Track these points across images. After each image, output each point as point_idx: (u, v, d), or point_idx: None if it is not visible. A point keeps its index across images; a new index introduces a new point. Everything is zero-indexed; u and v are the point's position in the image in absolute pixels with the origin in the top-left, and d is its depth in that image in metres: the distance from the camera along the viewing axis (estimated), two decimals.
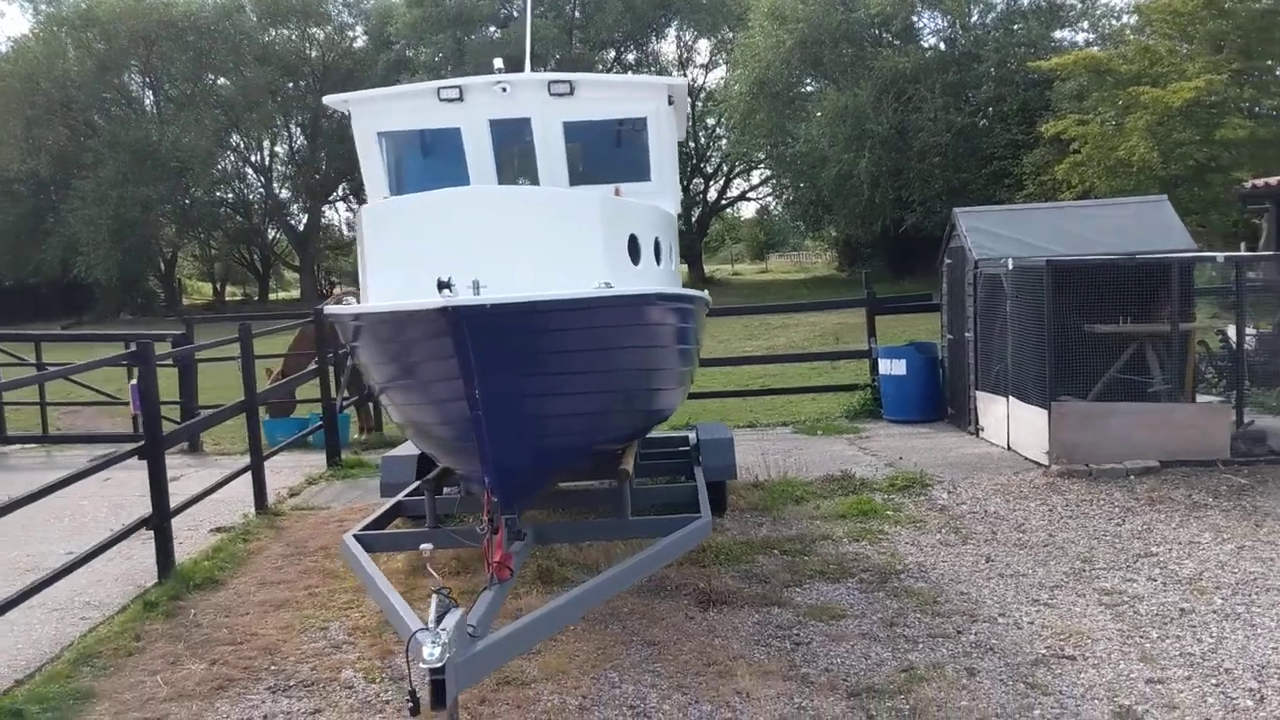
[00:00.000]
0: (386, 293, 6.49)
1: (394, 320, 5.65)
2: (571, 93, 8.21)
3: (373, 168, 8.61)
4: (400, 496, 8.56)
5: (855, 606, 7.23)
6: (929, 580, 7.71)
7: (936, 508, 9.69)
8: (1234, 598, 7.08)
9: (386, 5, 56.81)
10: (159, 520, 8.26)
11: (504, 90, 8.23)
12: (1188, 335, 11.79)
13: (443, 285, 5.27)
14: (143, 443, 8.17)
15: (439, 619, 4.99)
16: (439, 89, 8.27)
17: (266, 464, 10.86)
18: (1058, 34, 38.39)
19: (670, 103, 8.40)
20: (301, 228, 61.69)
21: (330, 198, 62.75)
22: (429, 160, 8.72)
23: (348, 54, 58.88)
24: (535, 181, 8.38)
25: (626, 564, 6.35)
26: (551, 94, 8.21)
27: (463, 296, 5.35)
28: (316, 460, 12.96)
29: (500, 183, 8.41)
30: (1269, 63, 25.37)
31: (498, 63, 8.52)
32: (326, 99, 8.93)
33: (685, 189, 57.33)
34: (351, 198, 65.14)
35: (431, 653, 4.49)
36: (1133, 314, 11.54)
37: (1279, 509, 9.17)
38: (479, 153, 8.36)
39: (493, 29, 54.76)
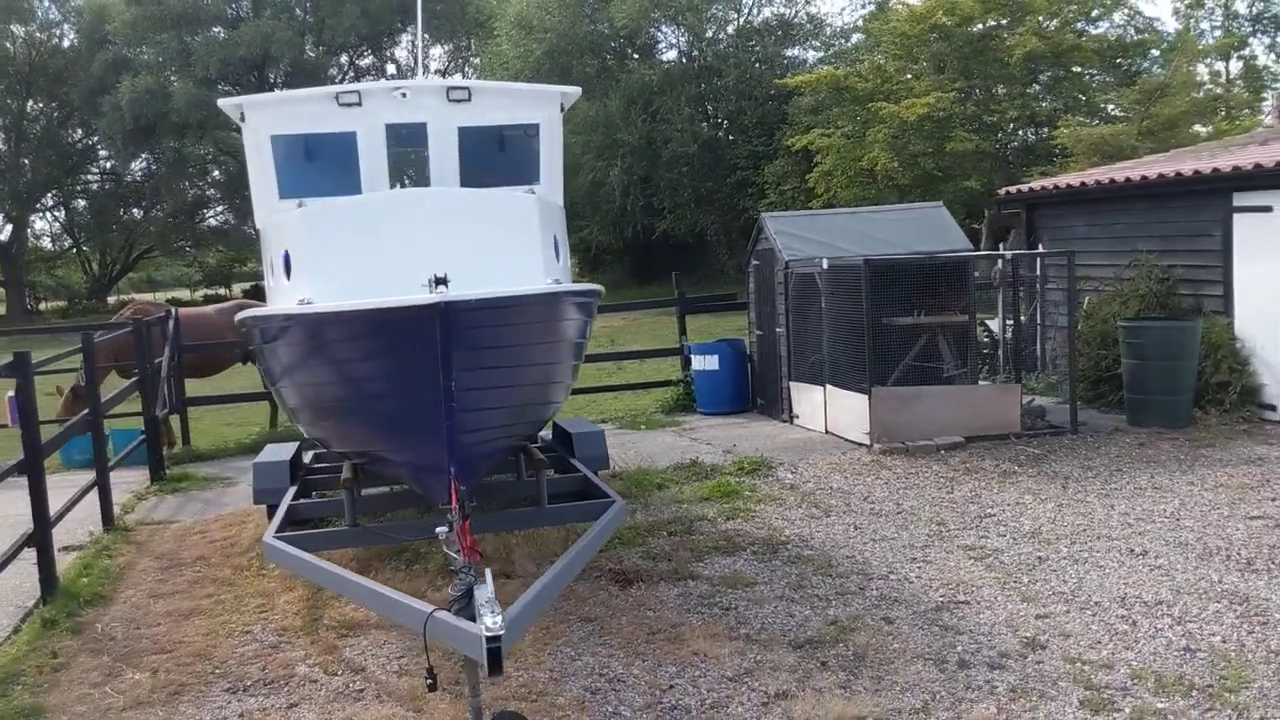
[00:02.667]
0: (331, 293, 6.55)
1: (376, 317, 5.79)
2: (469, 99, 8.48)
3: (263, 171, 8.56)
4: (293, 498, 8.55)
5: (760, 575, 7.88)
6: (813, 548, 8.47)
7: (787, 486, 10.52)
8: (1074, 546, 8.21)
9: (100, 3, 53.41)
10: (40, 537, 7.90)
11: (403, 96, 8.41)
12: (970, 325, 13.26)
13: (439, 281, 5.51)
14: (23, 457, 7.79)
15: (465, 595, 5.26)
16: (338, 94, 8.37)
17: (84, 481, 10.38)
18: (790, 51, 40.87)
19: (561, 110, 8.81)
20: (5, 237, 57.05)
21: (38, 206, 58.35)
22: (320, 164, 8.74)
23: (56, 53, 55.03)
24: (426, 184, 8.58)
25: (581, 544, 6.74)
26: (450, 100, 8.45)
27: (455, 291, 5.60)
28: (134, 476, 12.43)
29: (391, 186, 8.56)
30: (986, 82, 28.11)
31: (391, 69, 8.67)
32: (220, 102, 8.83)
33: None
34: (62, 206, 60.84)
35: (495, 621, 4.75)
36: (925, 307, 12.89)
37: (1075, 472, 10.54)
38: (373, 157, 8.48)
39: (218, 29, 52.64)
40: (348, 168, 8.49)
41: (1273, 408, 12.22)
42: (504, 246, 6.78)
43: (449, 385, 5.90)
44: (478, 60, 56.34)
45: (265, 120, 8.51)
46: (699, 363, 15.06)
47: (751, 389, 15.00)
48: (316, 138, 8.61)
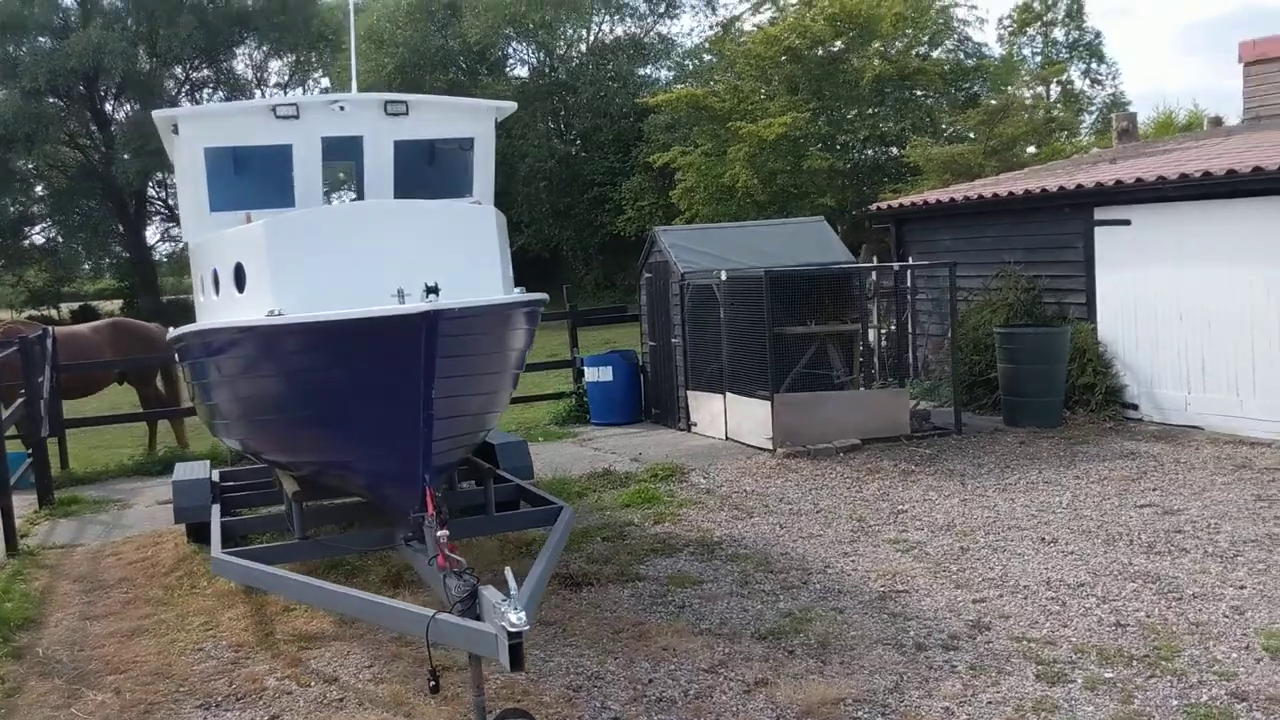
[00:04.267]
0: (301, 305, 6.51)
1: (365, 326, 5.82)
2: (406, 113, 8.52)
3: (195, 184, 8.40)
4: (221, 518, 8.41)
5: (704, 574, 8.15)
6: (747, 547, 8.79)
7: (703, 490, 10.83)
8: (990, 536, 8.76)
9: None
10: None
11: (341, 109, 8.39)
12: (856, 334, 13.91)
13: (430, 290, 5.61)
14: None
15: (469, 596, 5.36)
16: (274, 106, 8.30)
17: None
18: (643, 70, 41.57)
19: (496, 123, 8.93)
20: None
21: None
22: (253, 176, 8.63)
23: None
24: (360, 198, 8.57)
25: (552, 547, 6.90)
26: (387, 114, 8.48)
27: (443, 300, 5.71)
28: (20, 501, 11.87)
29: (324, 199, 8.53)
30: (837, 103, 29.22)
31: (325, 82, 8.65)
32: (155, 114, 8.62)
33: None
34: None
35: (520, 617, 4.87)
36: (816, 317, 13.47)
37: (968, 469, 11.18)
38: (308, 169, 8.44)
39: (44, 39, 50.17)
40: (282, 181, 8.43)
41: (1135, 406, 13.18)
42: (467, 257, 6.89)
43: (429, 392, 6.00)
44: (319, 74, 55.40)
45: (199, 132, 8.37)
46: (592, 374, 15.27)
47: (645, 399, 15.30)
48: (251, 150, 8.51)
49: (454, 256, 6.79)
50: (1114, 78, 46.69)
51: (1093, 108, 44.99)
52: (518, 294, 6.55)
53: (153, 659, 6.94)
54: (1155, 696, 5.71)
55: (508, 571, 5.13)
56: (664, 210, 34.46)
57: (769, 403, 12.28)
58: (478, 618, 5.37)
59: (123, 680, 6.59)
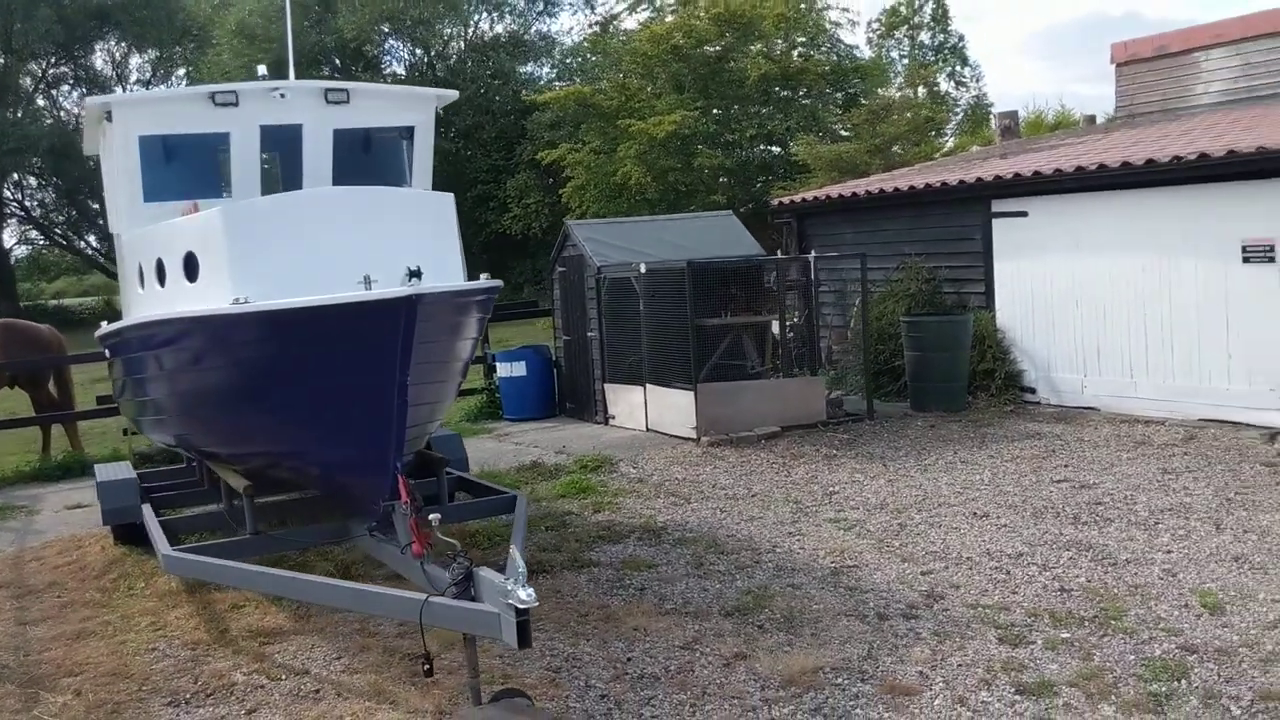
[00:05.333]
0: (266, 293, 6.39)
1: (337, 313, 5.76)
2: (347, 101, 8.41)
3: (127, 173, 8.14)
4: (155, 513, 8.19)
5: (655, 558, 8.27)
6: (692, 531, 8.94)
7: (635, 480, 10.95)
8: (923, 513, 9.08)
9: None
10: None
11: (281, 96, 8.24)
12: (768, 325, 14.21)
13: (413, 274, 5.60)
14: None
15: (465, 578, 5.38)
16: (213, 93, 8.10)
17: None
18: (524, 68, 41.43)
19: (436, 112, 8.88)
20: None
21: None
22: (187, 165, 8.41)
23: None
24: (298, 187, 8.42)
25: (521, 534, 6.93)
26: (328, 102, 8.36)
27: (425, 285, 5.70)
28: None
29: (264, 189, 8.36)
30: (724, 102, 29.62)
31: (262, 69, 8.47)
32: (87, 101, 8.30)
33: None
34: None
35: (529, 594, 4.90)
36: (731, 308, 13.71)
37: (887, 452, 11.54)
38: (245, 158, 8.26)
39: None
40: (218, 170, 8.24)
41: (1033, 390, 13.78)
42: (429, 243, 6.86)
43: (405, 378, 5.98)
44: (183, 71, 53.69)
45: (133, 120, 8.12)
46: (505, 369, 15.24)
47: (560, 393, 15.33)
48: (187, 138, 8.29)
49: (416, 243, 6.75)
50: (978, 80, 48.26)
51: (957, 109, 46.52)
52: (483, 280, 6.55)
53: (106, 660, 6.73)
54: (1112, 653, 6.04)
55: (512, 549, 5.16)
56: (550, 208, 34.40)
57: (692, 393, 12.46)
58: (472, 599, 5.39)
59: (80, 682, 6.38)
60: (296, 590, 6.47)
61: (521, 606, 4.89)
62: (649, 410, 13.34)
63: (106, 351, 9.36)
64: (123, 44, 53.71)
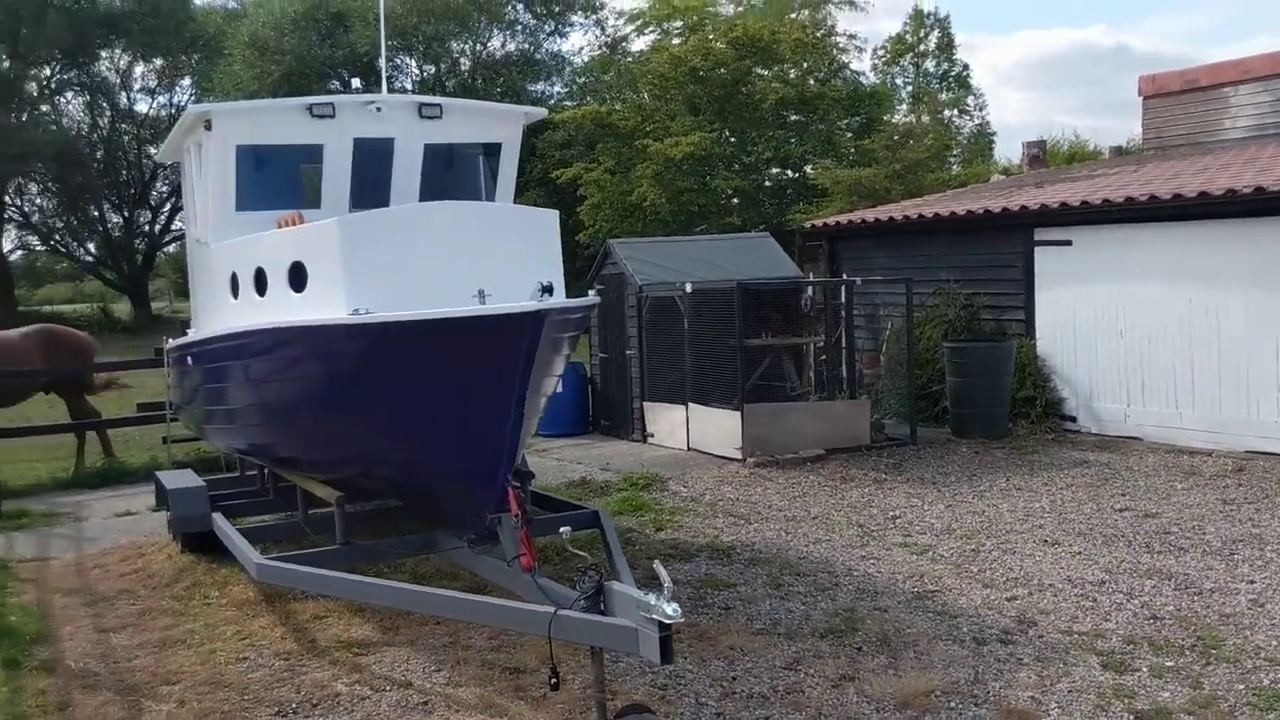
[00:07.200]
0: (383, 304, 6.36)
1: (454, 326, 5.76)
2: (440, 116, 8.44)
3: (220, 182, 8.14)
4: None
5: (732, 577, 8.24)
6: (760, 551, 8.91)
7: (688, 498, 10.92)
8: (993, 539, 9.08)
9: None
10: None
11: (377, 110, 8.26)
12: (806, 347, 14.25)
13: (545, 289, 5.62)
14: None
15: (596, 592, 5.35)
16: (311, 105, 8.12)
17: None
18: (534, 86, 41.52)
19: (522, 129, 8.92)
20: None
21: None
22: (279, 175, 8.42)
23: None
24: (386, 201, 8.43)
25: (617, 548, 6.94)
26: (421, 116, 8.38)
27: (551, 300, 5.70)
28: None
29: (353, 201, 8.37)
30: (740, 125, 29.75)
31: (356, 82, 8.51)
32: (191, 109, 8.32)
33: (130, 220, 53.45)
34: None
35: (676, 609, 4.87)
36: (773, 329, 13.73)
37: (936, 477, 11.55)
38: (337, 170, 8.29)
39: None
40: (310, 181, 8.25)
41: (1073, 418, 13.82)
42: (534, 260, 6.87)
43: (525, 391, 5.98)
44: (188, 80, 53.60)
45: (232, 129, 8.12)
46: None
47: (594, 410, 15.30)
48: (282, 149, 8.30)
49: (525, 258, 6.77)
50: (981, 109, 48.49)
51: (960, 136, 46.78)
52: (591, 296, 6.57)
53: (199, 669, 6.66)
54: (1220, 682, 6.03)
55: (657, 564, 5.13)
56: (562, 226, 34.35)
57: (737, 413, 12.45)
58: (601, 613, 5.36)
59: (180, 691, 6.31)
60: (411, 601, 6.41)
61: (667, 621, 4.87)
62: (690, 429, 13.32)
63: (172, 361, 9.32)
64: (129, 52, 53.60)
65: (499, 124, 8.97)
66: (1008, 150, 58.91)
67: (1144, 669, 6.25)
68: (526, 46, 43.01)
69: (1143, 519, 9.51)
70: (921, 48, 49.66)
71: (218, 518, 8.45)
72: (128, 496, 11.99)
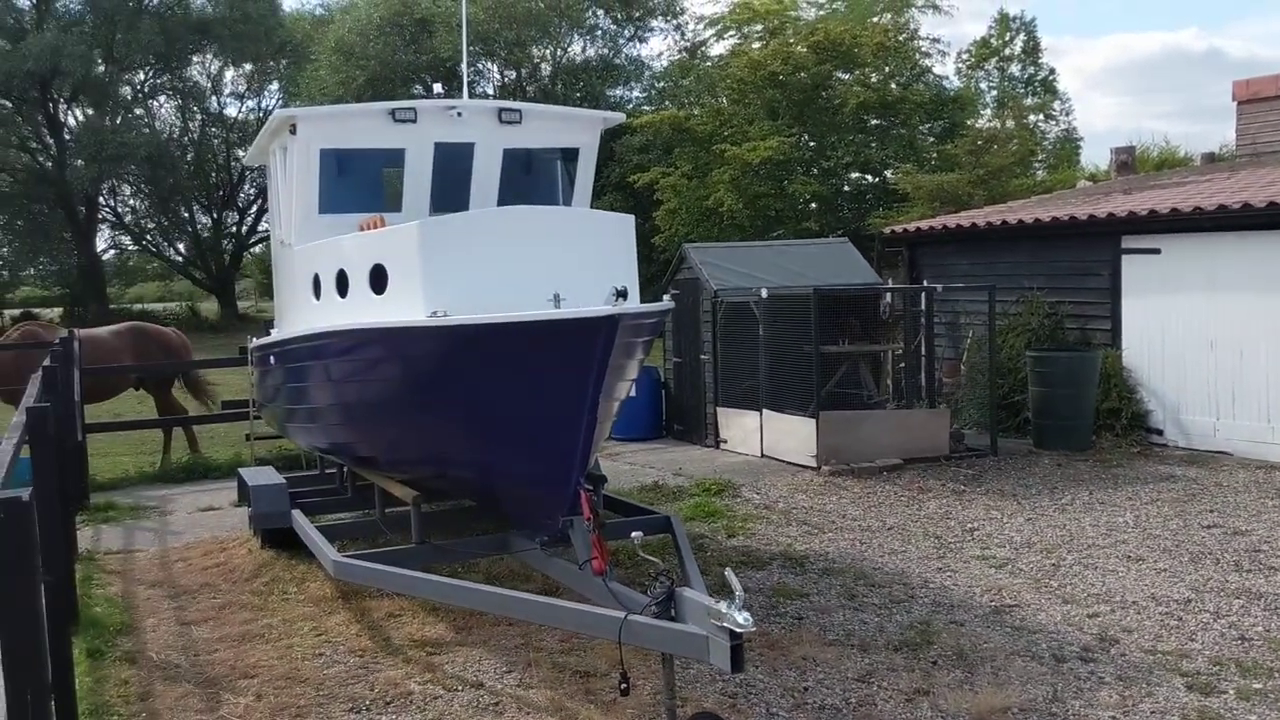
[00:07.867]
0: (464, 307, 6.41)
1: (531, 329, 5.80)
2: (520, 121, 8.51)
3: (304, 184, 8.30)
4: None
5: (805, 587, 8.16)
6: (834, 561, 8.82)
7: (761, 506, 10.84)
8: (1075, 554, 8.87)
9: None
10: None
11: (458, 115, 8.36)
12: (887, 354, 14.08)
13: (619, 294, 5.63)
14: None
15: (667, 598, 5.33)
16: (393, 109, 8.25)
17: None
18: (613, 91, 41.70)
19: (601, 135, 8.96)
20: None
21: None
22: (361, 178, 8.57)
23: None
24: (465, 205, 8.52)
25: (689, 555, 6.92)
26: (501, 121, 8.46)
27: (625, 304, 5.71)
28: None
29: (433, 205, 8.47)
30: (819, 129, 29.56)
31: (438, 87, 8.63)
32: (276, 113, 8.54)
33: (218, 221, 54.76)
34: None
35: (747, 618, 4.84)
36: (849, 336, 13.59)
37: (1017, 490, 11.32)
38: (418, 174, 8.40)
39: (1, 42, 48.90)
40: (392, 185, 8.37)
41: (1160, 431, 13.47)
42: (609, 264, 6.88)
43: (598, 395, 5.99)
44: (276, 85, 54.69)
45: (317, 133, 8.28)
46: None
47: (667, 415, 15.29)
48: (365, 153, 8.44)
49: (602, 263, 6.78)
50: (1067, 114, 47.57)
51: (1046, 142, 45.92)
52: (666, 301, 6.55)
53: (277, 664, 6.77)
54: None
55: (729, 572, 5.10)
56: (638, 230, 34.42)
57: (813, 420, 12.34)
58: (672, 619, 5.34)
59: (257, 685, 6.43)
60: (483, 602, 6.45)
61: (738, 630, 4.83)
62: (764, 436, 13.23)
63: (255, 359, 9.50)
64: (219, 57, 54.85)
65: (577, 129, 9.01)
66: (1095, 156, 58.00)
67: (1231, 691, 6.06)
68: (606, 51, 43.20)
69: (1231, 536, 9.23)
70: (1006, 51, 48.81)
71: (297, 514, 8.60)
72: (211, 492, 12.24)
